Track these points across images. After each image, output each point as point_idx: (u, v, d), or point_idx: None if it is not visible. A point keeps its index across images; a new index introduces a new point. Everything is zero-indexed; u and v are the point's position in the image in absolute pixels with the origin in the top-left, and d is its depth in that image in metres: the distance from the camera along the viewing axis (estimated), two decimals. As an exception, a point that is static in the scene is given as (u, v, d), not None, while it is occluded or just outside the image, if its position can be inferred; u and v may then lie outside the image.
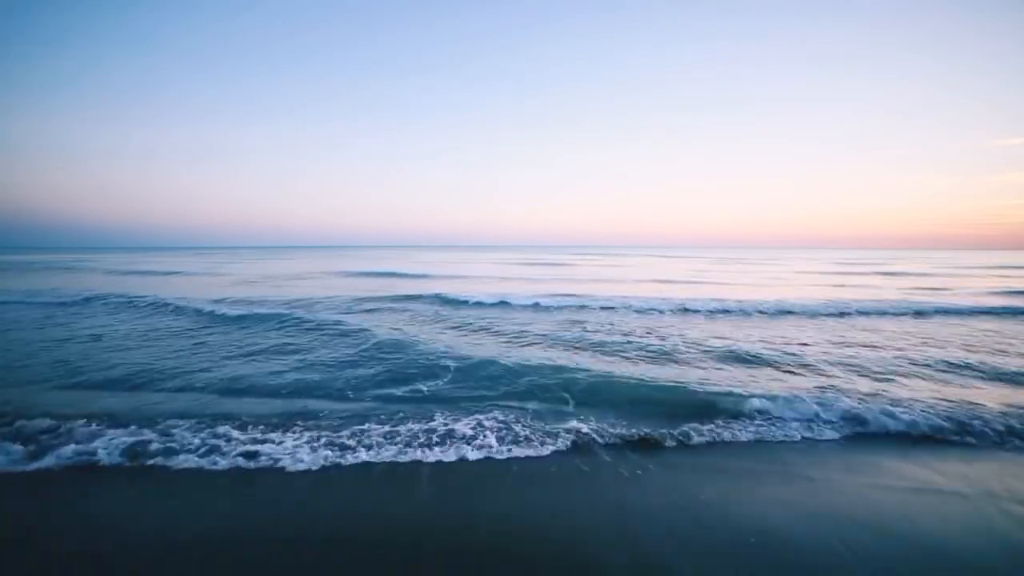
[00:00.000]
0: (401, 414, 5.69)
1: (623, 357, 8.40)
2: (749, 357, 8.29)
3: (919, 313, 13.51)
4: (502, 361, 7.80)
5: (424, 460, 4.60)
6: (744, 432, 5.27)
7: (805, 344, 9.56)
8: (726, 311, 13.54)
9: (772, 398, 5.92)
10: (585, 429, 5.28)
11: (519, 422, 5.44)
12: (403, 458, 4.63)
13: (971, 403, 5.94)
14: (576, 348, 9.06)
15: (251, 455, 4.60)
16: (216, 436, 4.99)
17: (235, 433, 5.06)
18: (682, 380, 7.02)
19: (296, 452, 4.67)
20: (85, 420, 5.33)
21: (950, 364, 7.95)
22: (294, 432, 5.12)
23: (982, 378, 7.24)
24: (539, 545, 3.35)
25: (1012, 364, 8.02)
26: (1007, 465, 4.59)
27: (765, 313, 13.30)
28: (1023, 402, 6.09)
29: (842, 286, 21.89)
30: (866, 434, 5.29)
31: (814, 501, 3.94)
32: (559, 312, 13.61)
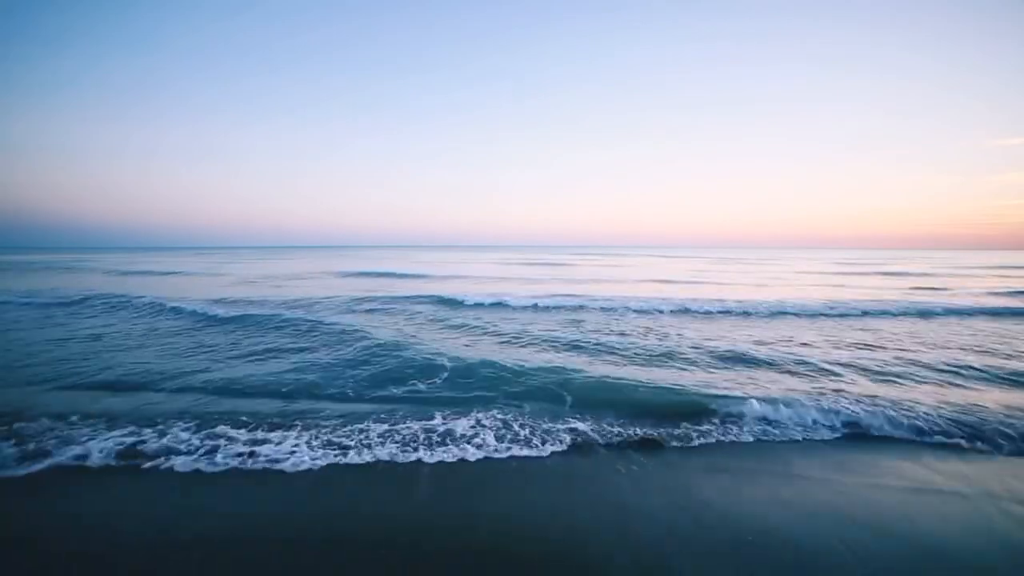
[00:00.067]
0: (400, 414, 5.69)
1: (622, 358, 8.40)
2: (749, 358, 8.29)
3: (919, 313, 13.51)
4: (501, 362, 7.80)
5: (424, 460, 4.60)
6: (744, 432, 5.28)
7: (805, 345, 9.56)
8: (726, 311, 13.53)
9: (771, 400, 5.92)
10: (585, 429, 5.29)
11: (518, 422, 5.44)
12: (403, 458, 4.63)
13: (972, 405, 5.94)
14: (575, 349, 9.06)
15: (251, 455, 4.61)
16: (216, 436, 4.99)
17: (235, 433, 5.07)
18: (681, 381, 7.02)
19: (296, 452, 4.67)
20: (85, 420, 5.33)
21: (950, 365, 7.94)
22: (294, 432, 5.12)
23: (983, 380, 7.23)
24: (539, 545, 3.35)
25: (1010, 365, 8.02)
26: (1007, 465, 4.60)
27: (765, 313, 13.29)
28: (1022, 403, 6.09)
29: (842, 286, 21.89)
30: (866, 434, 5.29)
31: (814, 501, 3.94)
32: (558, 312, 13.60)
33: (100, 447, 4.67)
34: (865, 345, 9.51)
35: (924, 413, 5.52)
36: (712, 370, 7.65)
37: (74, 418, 5.38)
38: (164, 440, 4.86)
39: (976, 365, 7.86)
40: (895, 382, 7.02)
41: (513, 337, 10.03)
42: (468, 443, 4.93)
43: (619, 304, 14.46)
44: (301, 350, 8.85)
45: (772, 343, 9.60)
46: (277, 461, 4.52)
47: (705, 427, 5.36)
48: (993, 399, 6.23)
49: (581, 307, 14.29)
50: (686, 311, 13.59)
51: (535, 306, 14.45)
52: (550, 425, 5.38)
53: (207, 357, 8.46)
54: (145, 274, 28.08)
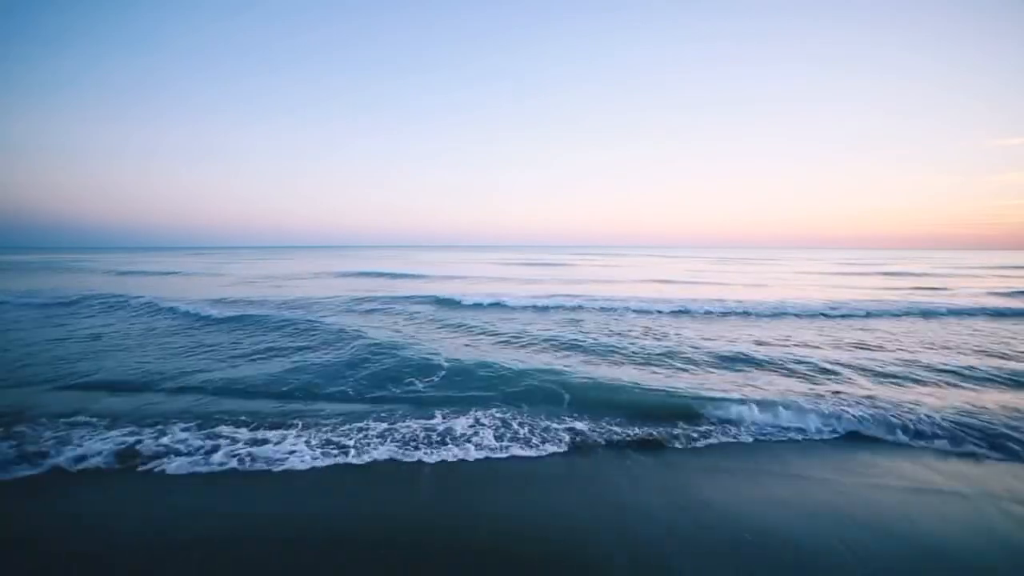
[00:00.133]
0: (399, 413, 5.69)
1: (621, 358, 8.40)
2: (748, 358, 8.29)
3: (919, 314, 13.51)
4: (500, 362, 7.80)
5: (423, 460, 4.59)
6: (743, 433, 5.28)
7: (805, 345, 9.56)
8: (726, 312, 13.53)
9: (771, 402, 5.93)
10: (584, 429, 5.29)
11: (517, 421, 5.44)
12: (402, 458, 4.63)
13: (973, 407, 5.94)
14: (574, 349, 9.05)
15: (251, 455, 4.60)
16: (215, 436, 4.99)
17: (235, 433, 5.07)
18: (681, 381, 7.03)
19: (295, 452, 4.67)
20: (84, 421, 5.34)
21: (951, 366, 7.94)
22: (293, 432, 5.12)
23: (983, 381, 7.22)
24: (539, 545, 3.35)
25: (1010, 366, 8.03)
26: (1007, 465, 4.60)
27: (765, 314, 13.28)
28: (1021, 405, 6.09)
29: (842, 287, 21.90)
30: (866, 435, 5.28)
31: (814, 501, 3.94)
32: (557, 313, 13.59)
33: (99, 447, 4.67)
34: (865, 345, 9.52)
35: (925, 415, 5.50)
36: (712, 371, 7.65)
37: (73, 418, 5.38)
38: (164, 440, 4.86)
39: (977, 366, 7.86)
40: (895, 383, 7.02)
41: (512, 337, 10.03)
42: (468, 443, 4.93)
43: (619, 304, 14.46)
44: (300, 350, 8.85)
45: (772, 343, 9.60)
46: (277, 461, 4.52)
47: (704, 427, 5.36)
48: (994, 400, 6.23)
49: (580, 307, 14.27)
50: (686, 311, 13.58)
51: (534, 306, 14.44)
52: (549, 425, 5.38)
53: (206, 357, 8.46)
54: (145, 274, 28.07)
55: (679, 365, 7.92)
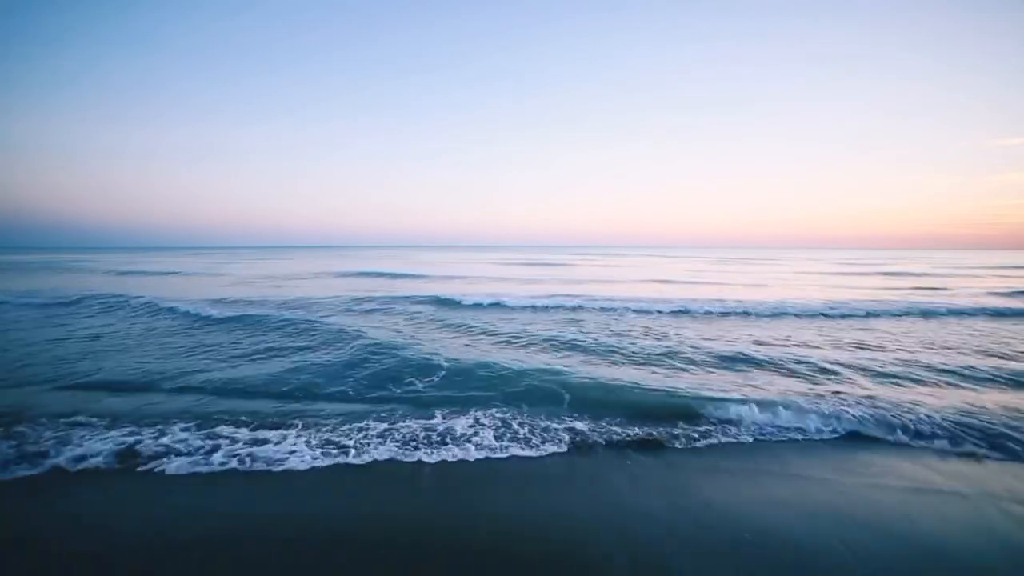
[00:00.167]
0: (399, 413, 5.69)
1: (621, 358, 8.40)
2: (748, 359, 8.29)
3: (919, 314, 13.51)
4: (499, 362, 7.80)
5: (423, 460, 4.59)
6: (743, 433, 5.28)
7: (805, 345, 9.56)
8: (725, 312, 13.52)
9: (770, 403, 5.93)
10: (584, 429, 5.29)
11: (517, 420, 5.44)
12: (402, 458, 4.63)
13: (974, 407, 5.94)
14: (574, 349, 9.05)
15: (251, 455, 4.60)
16: (215, 436, 4.99)
17: (235, 433, 5.07)
18: (680, 381, 7.03)
19: (295, 452, 4.67)
20: (84, 421, 5.34)
21: (951, 366, 7.94)
22: (293, 432, 5.12)
23: (984, 381, 7.22)
24: (539, 545, 3.35)
25: (1009, 366, 8.03)
26: (1007, 465, 4.60)
27: (765, 314, 13.28)
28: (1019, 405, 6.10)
29: (842, 287, 21.90)
30: (866, 435, 5.28)
31: (814, 501, 3.94)
32: (557, 313, 13.59)
33: (99, 447, 4.67)
34: (865, 346, 9.52)
35: (925, 416, 5.50)
36: (712, 371, 7.65)
37: (73, 418, 5.38)
38: (164, 440, 4.86)
39: (977, 366, 7.86)
40: (895, 383, 7.02)
41: (512, 337, 10.03)
42: (468, 443, 4.93)
43: (618, 304, 14.46)
44: (300, 350, 8.85)
45: (772, 343, 9.60)
46: (277, 461, 4.52)
47: (704, 427, 5.36)
48: (994, 400, 6.24)
49: (580, 307, 14.27)
50: (686, 311, 13.58)
51: (534, 306, 14.44)
52: (549, 425, 5.38)
53: (206, 357, 8.46)
54: (145, 274, 28.08)
55: (679, 365, 7.92)
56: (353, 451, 4.72)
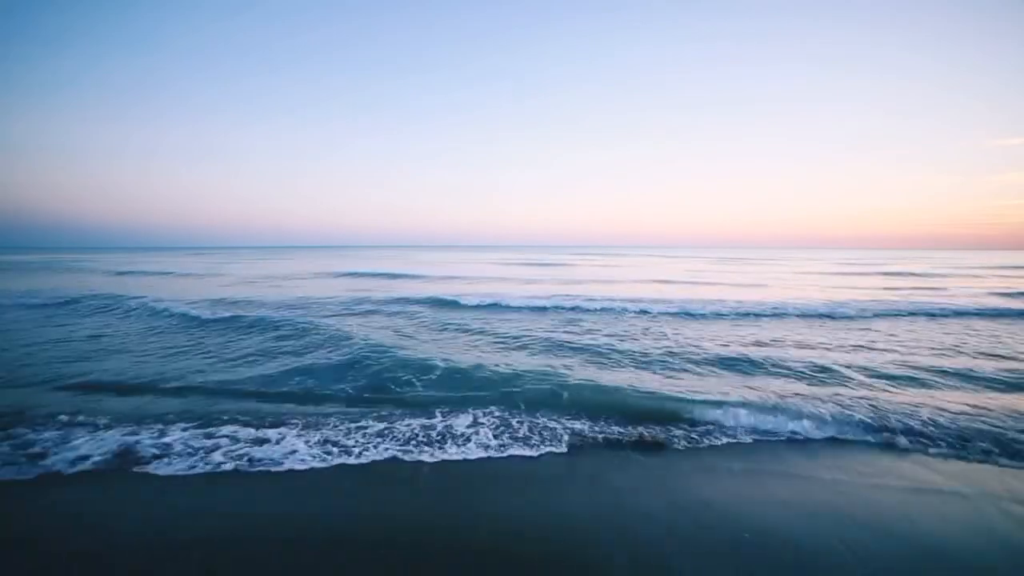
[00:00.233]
0: (398, 413, 5.69)
1: (620, 359, 8.40)
2: (747, 359, 8.28)
3: (919, 314, 13.51)
4: (499, 362, 7.80)
5: (423, 460, 4.60)
6: (743, 433, 5.27)
7: (805, 346, 9.56)
8: (725, 312, 13.51)
9: (769, 404, 5.93)
10: (583, 429, 5.29)
11: (517, 423, 5.44)
12: (402, 457, 4.63)
13: (974, 409, 5.93)
14: (573, 350, 9.06)
15: (250, 455, 4.60)
16: (215, 436, 4.99)
17: (234, 433, 5.07)
18: (680, 382, 7.04)
19: (295, 452, 4.67)
20: (84, 421, 5.34)
21: (951, 368, 7.94)
22: (292, 432, 5.11)
23: (983, 381, 7.21)
24: (539, 545, 3.35)
25: (1009, 366, 8.03)
26: (1007, 466, 4.59)
27: (764, 314, 13.28)
28: (1016, 410, 6.10)
29: (842, 287, 21.90)
30: (866, 435, 5.28)
31: (814, 501, 3.94)
32: (556, 313, 13.58)
33: (99, 447, 4.67)
34: (865, 346, 9.52)
35: (925, 416, 5.50)
36: (711, 371, 7.65)
37: (73, 418, 5.38)
38: (163, 440, 4.86)
39: (977, 367, 7.87)
40: (895, 384, 7.02)
41: (511, 338, 10.03)
42: (467, 443, 4.93)
43: (618, 305, 14.46)
44: (299, 350, 8.85)
45: (772, 344, 9.60)
46: (276, 461, 4.52)
47: (704, 427, 5.36)
48: (994, 401, 6.24)
49: (579, 308, 14.26)
50: (685, 312, 13.57)
51: (533, 307, 14.43)
52: (549, 425, 5.38)
53: (206, 357, 8.46)
54: (144, 274, 28.08)
55: (679, 366, 7.92)
56: (353, 451, 4.72)
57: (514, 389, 6.52)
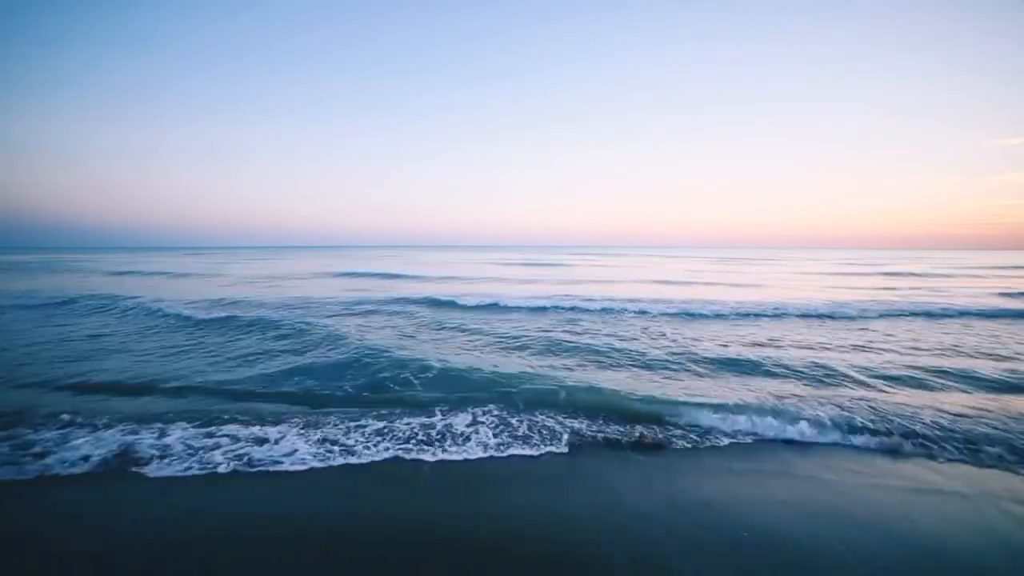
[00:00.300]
0: (397, 413, 5.69)
1: (619, 359, 8.40)
2: (747, 360, 8.28)
3: (920, 314, 13.50)
4: (498, 363, 7.80)
5: (423, 459, 4.60)
6: (743, 433, 5.27)
7: (804, 347, 9.56)
8: (725, 313, 13.49)
9: (769, 404, 5.95)
10: (584, 429, 5.29)
11: (516, 422, 5.44)
12: (401, 457, 4.63)
13: (975, 411, 5.93)
14: (572, 350, 9.05)
15: (250, 455, 4.60)
16: (215, 436, 4.99)
17: (233, 433, 5.06)
18: (679, 382, 7.04)
19: (295, 452, 4.67)
20: (84, 421, 5.33)
21: (952, 367, 7.94)
22: (292, 432, 5.11)
23: (983, 382, 7.20)
24: (539, 545, 3.35)
25: (1009, 367, 8.03)
26: (1007, 466, 4.59)
27: (764, 315, 13.27)
28: (1016, 411, 6.10)
29: (842, 287, 21.90)
30: (866, 436, 5.27)
31: (814, 501, 3.94)
32: (555, 314, 13.56)
33: (99, 447, 4.67)
34: (865, 347, 9.52)
35: (925, 417, 5.51)
36: (711, 372, 7.65)
37: (73, 418, 5.37)
38: (163, 440, 4.86)
39: (977, 367, 7.87)
40: (895, 385, 7.02)
41: (510, 338, 10.02)
42: (467, 443, 4.93)
43: (617, 305, 14.45)
44: (299, 350, 8.85)
45: (771, 345, 9.60)
46: (276, 461, 4.52)
47: (704, 428, 5.36)
48: (994, 401, 6.24)
49: (578, 308, 14.24)
50: (684, 312, 13.56)
51: (532, 307, 14.43)
52: (548, 425, 5.38)
53: (205, 358, 8.45)
54: (144, 275, 28.07)
55: (678, 366, 7.92)
56: (352, 451, 4.72)
57: (513, 389, 6.51)
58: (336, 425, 5.32)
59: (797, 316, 13.07)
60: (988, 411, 5.72)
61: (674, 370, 7.67)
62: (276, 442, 4.86)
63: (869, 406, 5.81)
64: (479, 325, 11.48)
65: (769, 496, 4.02)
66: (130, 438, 4.87)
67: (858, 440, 5.11)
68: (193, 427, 5.21)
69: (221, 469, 4.39)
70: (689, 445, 5.00)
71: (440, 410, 5.79)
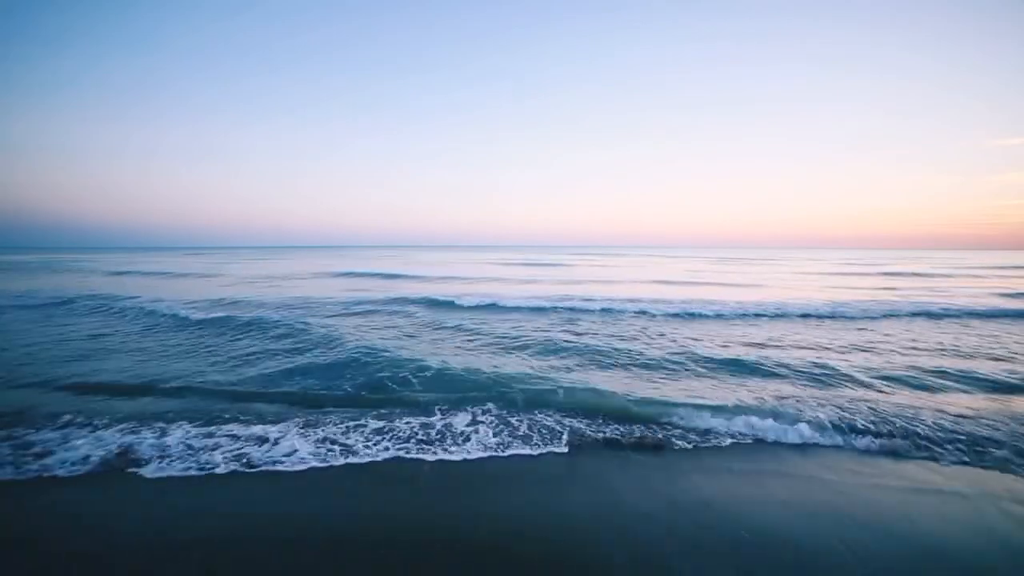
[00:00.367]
0: (397, 413, 5.69)
1: (619, 359, 8.39)
2: (747, 361, 8.27)
3: (920, 315, 13.50)
4: (497, 363, 7.80)
5: (422, 459, 4.60)
6: (742, 434, 5.27)
7: (804, 347, 9.55)
8: (724, 313, 13.49)
9: (769, 405, 5.95)
10: (584, 429, 5.29)
11: (516, 421, 5.44)
12: (401, 457, 4.63)
13: (976, 412, 5.92)
14: (571, 351, 9.04)
15: (250, 455, 4.60)
16: (215, 436, 4.99)
17: (233, 433, 5.07)
18: (679, 383, 7.04)
19: (295, 452, 4.67)
20: (84, 421, 5.34)
21: (952, 368, 7.93)
22: (292, 432, 5.11)
23: (984, 383, 7.20)
24: (539, 545, 3.35)
25: (1008, 368, 8.03)
26: (1007, 467, 4.58)
27: (764, 315, 13.27)
28: (1014, 412, 6.10)
29: (842, 287, 21.90)
30: (865, 437, 5.27)
31: (814, 501, 3.94)
32: (554, 314, 13.54)
33: (99, 447, 4.67)
34: (864, 348, 9.52)
35: (926, 417, 5.51)
36: (711, 373, 7.65)
37: (73, 418, 5.38)
38: (163, 440, 4.86)
39: (977, 368, 7.88)
40: (896, 385, 7.02)
41: (510, 338, 10.02)
42: (467, 442, 4.93)
43: (616, 305, 14.44)
44: (298, 351, 8.85)
45: (771, 345, 9.60)
46: (276, 461, 4.52)
47: (703, 428, 5.35)
48: (994, 402, 6.25)
49: (577, 308, 14.23)
50: (684, 312, 13.56)
51: (532, 307, 14.42)
52: (548, 425, 5.38)
53: (205, 357, 8.45)
54: (144, 275, 28.07)
55: (678, 366, 7.92)
56: (352, 451, 4.72)
57: (513, 389, 6.51)
58: (336, 425, 5.32)
59: (797, 316, 13.07)
60: (988, 412, 5.72)
61: (674, 370, 7.67)
62: (276, 442, 4.86)
63: (869, 407, 5.81)
64: (479, 325, 11.48)
65: (769, 496, 4.02)
66: (130, 438, 4.88)
67: (858, 441, 5.10)
68: (193, 427, 5.21)
69: (221, 469, 4.39)
70: (689, 445, 5.00)
71: (440, 409, 5.79)
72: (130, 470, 4.37)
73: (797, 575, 3.07)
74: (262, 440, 4.91)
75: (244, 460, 4.52)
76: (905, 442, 5.01)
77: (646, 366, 7.89)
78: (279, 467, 4.44)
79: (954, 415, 5.57)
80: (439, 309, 14.34)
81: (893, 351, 9.06)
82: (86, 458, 4.49)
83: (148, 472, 4.33)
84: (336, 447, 4.79)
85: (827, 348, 9.27)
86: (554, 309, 14.15)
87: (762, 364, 7.94)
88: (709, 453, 4.89)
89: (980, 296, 17.58)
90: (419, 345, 9.18)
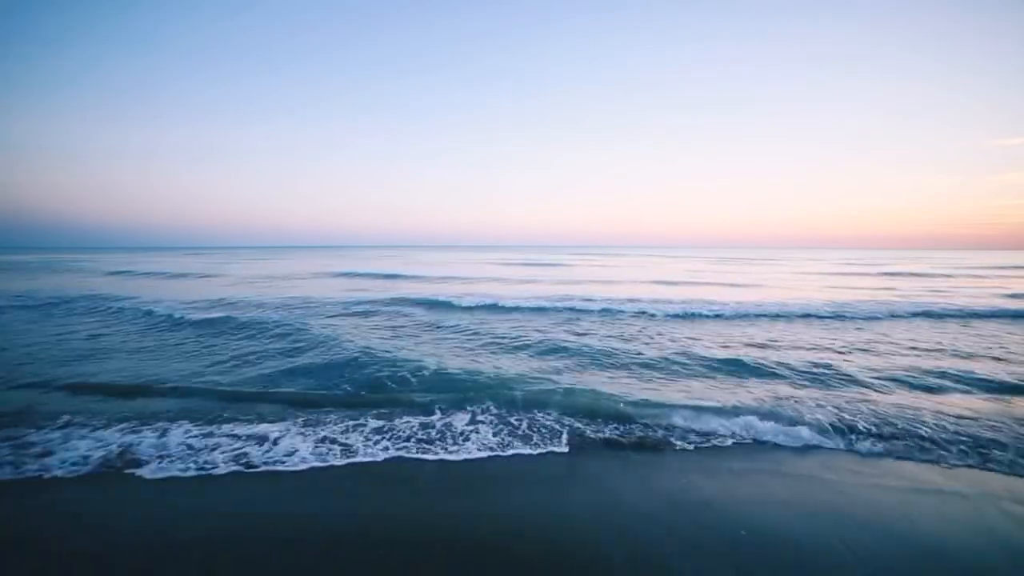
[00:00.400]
0: (397, 413, 5.69)
1: (619, 360, 8.39)
2: (747, 361, 8.26)
3: (920, 315, 13.50)
4: (497, 363, 7.80)
5: (422, 459, 4.60)
6: (742, 434, 5.27)
7: (804, 348, 9.55)
8: (724, 314, 13.49)
9: (769, 405, 5.94)
10: (584, 430, 5.29)
11: (516, 422, 5.44)
12: (401, 456, 4.64)
13: (976, 413, 5.93)
14: (571, 351, 9.04)
15: (250, 455, 4.60)
16: (215, 436, 4.99)
17: (233, 433, 5.07)
18: (679, 383, 7.05)
19: (295, 452, 4.67)
20: (83, 421, 5.34)
21: (953, 369, 7.94)
22: (291, 432, 5.11)
23: (984, 383, 7.20)
24: (539, 545, 3.35)
25: (1008, 369, 8.03)
26: (1007, 467, 4.58)
27: (764, 316, 13.26)
28: (1015, 412, 6.10)
29: (842, 288, 21.88)
30: (865, 438, 5.28)
31: (814, 501, 3.94)
32: (554, 314, 13.54)
33: (99, 447, 4.67)
34: (864, 348, 9.51)
35: (925, 418, 5.51)
36: (710, 373, 7.65)
37: (73, 418, 5.38)
38: (163, 440, 4.86)
39: (978, 369, 7.87)
40: (896, 386, 7.02)
41: (509, 338, 10.01)
42: (467, 442, 4.93)
43: (616, 306, 14.43)
44: (297, 351, 8.85)
45: (771, 346, 9.60)
46: (276, 461, 4.52)
47: (703, 429, 5.35)
48: (994, 402, 6.25)
49: (577, 309, 14.21)
50: (684, 313, 13.55)
51: (531, 307, 14.41)
52: (548, 425, 5.38)
53: (205, 357, 8.45)
54: (144, 275, 28.07)
55: (678, 366, 7.92)
56: (352, 451, 4.72)
57: (513, 389, 6.50)
58: (335, 424, 5.33)
59: (797, 316, 13.06)
60: (989, 412, 5.72)
61: (674, 370, 7.67)
62: (276, 442, 4.86)
63: (869, 407, 5.81)
64: (479, 325, 11.48)
65: (769, 496, 4.02)
66: (130, 438, 4.88)
67: (858, 441, 5.09)
68: (193, 427, 5.21)
69: (221, 469, 4.39)
70: (689, 446, 5.00)
71: (439, 409, 5.79)
72: (130, 470, 4.37)
73: (797, 575, 3.07)
74: (262, 440, 4.91)
75: (244, 460, 4.52)
76: (905, 443, 5.01)
77: (646, 366, 7.89)
78: (279, 467, 4.44)
79: (955, 415, 5.57)
80: (439, 309, 14.33)
81: (893, 351, 9.06)
82: (86, 458, 4.49)
83: (148, 472, 4.34)
84: (336, 447, 4.79)
85: (827, 348, 9.27)
86: (554, 309, 14.14)
87: (762, 364, 7.94)
88: (709, 453, 4.88)
89: (980, 296, 17.56)
90: (419, 345, 9.18)
